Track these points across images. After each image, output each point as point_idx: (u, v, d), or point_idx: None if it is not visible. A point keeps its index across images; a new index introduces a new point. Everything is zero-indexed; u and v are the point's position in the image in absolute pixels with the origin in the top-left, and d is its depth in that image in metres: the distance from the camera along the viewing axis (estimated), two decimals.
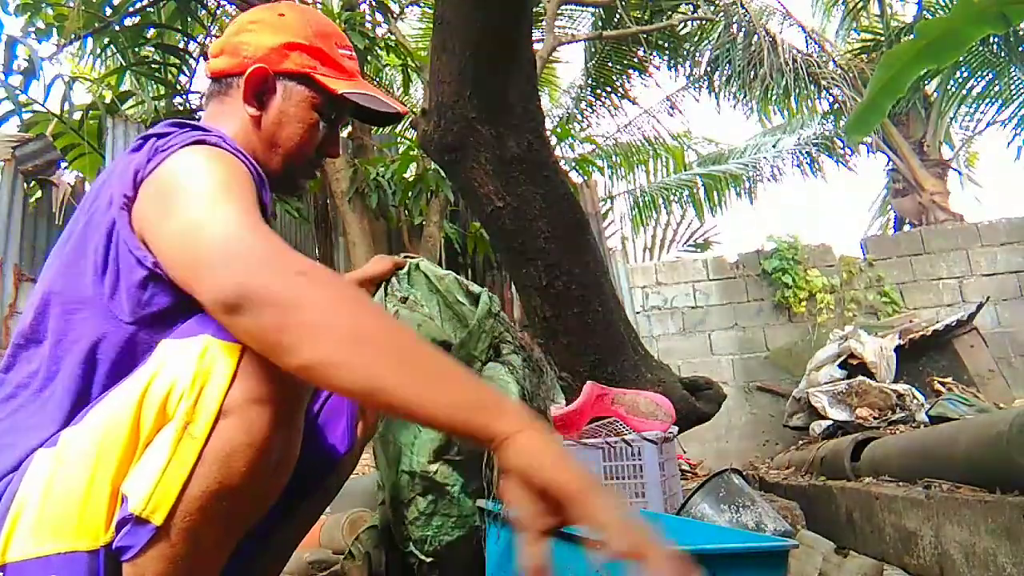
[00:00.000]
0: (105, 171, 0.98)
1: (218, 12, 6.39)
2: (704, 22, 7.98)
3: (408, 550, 1.59)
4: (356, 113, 1.20)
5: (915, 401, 4.01)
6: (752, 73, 7.75)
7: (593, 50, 8.36)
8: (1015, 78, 7.52)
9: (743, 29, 7.80)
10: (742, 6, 7.76)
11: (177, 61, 5.94)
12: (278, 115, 1.09)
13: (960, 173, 8.66)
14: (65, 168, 5.63)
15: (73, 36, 5.37)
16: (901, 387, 4.17)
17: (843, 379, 4.40)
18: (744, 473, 2.22)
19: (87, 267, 0.90)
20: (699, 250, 9.28)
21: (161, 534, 0.77)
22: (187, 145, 0.89)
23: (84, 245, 0.91)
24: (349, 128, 5.89)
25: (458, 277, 1.70)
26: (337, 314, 0.70)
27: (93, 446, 0.80)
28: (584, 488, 0.65)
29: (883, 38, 8.18)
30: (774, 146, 9.69)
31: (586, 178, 6.75)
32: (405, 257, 1.67)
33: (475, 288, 1.67)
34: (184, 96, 6.33)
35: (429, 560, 1.55)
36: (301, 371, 0.71)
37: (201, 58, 6.01)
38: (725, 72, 8.07)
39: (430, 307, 1.64)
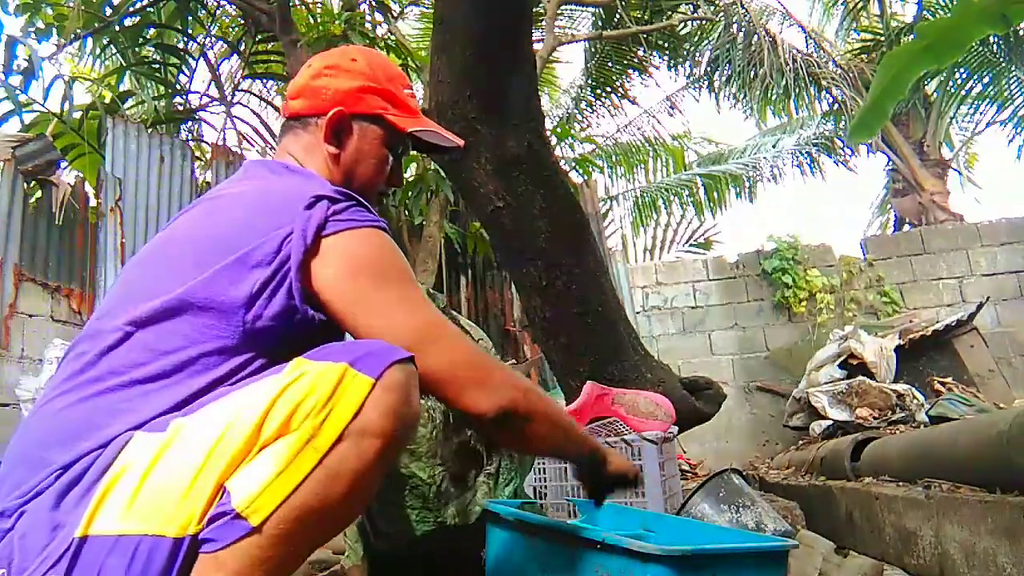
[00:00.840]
0: (250, 190, 1.11)
1: (218, 12, 6.40)
2: (704, 22, 7.98)
3: (372, 542, 1.60)
4: (418, 146, 1.34)
5: (915, 401, 4.01)
6: (752, 73, 7.75)
7: (593, 50, 8.36)
8: (1015, 78, 7.52)
9: (743, 29, 7.79)
10: (742, 6, 7.76)
11: (177, 61, 5.94)
12: (355, 152, 1.23)
13: (959, 173, 8.66)
14: (65, 168, 5.63)
15: (73, 36, 5.38)
16: (901, 387, 4.17)
17: (843, 379, 4.40)
18: (744, 473, 2.22)
19: (239, 285, 0.97)
20: (700, 250, 9.28)
21: (253, 534, 0.81)
22: (374, 226, 1.06)
23: (239, 262, 0.98)
24: None
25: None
26: (548, 414, 1.13)
27: (210, 440, 0.84)
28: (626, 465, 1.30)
29: (883, 38, 8.17)
30: (774, 146, 9.69)
31: (586, 178, 6.75)
32: None
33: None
34: (184, 96, 6.34)
35: (393, 553, 1.56)
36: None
37: (201, 59, 6.02)
38: (725, 72, 8.06)
39: None
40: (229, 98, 6.54)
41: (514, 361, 5.67)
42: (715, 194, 9.15)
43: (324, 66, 1.25)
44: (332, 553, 1.96)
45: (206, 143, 6.48)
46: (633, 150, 9.65)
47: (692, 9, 7.97)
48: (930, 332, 4.67)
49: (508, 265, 3.05)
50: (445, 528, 1.57)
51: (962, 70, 7.46)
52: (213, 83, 6.48)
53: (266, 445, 0.84)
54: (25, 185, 4.78)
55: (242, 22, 6.22)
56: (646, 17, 7.75)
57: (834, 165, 9.19)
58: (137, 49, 5.82)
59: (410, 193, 5.62)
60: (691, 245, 9.60)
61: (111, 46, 5.84)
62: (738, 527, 1.77)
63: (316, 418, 0.84)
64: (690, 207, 9.46)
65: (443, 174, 4.72)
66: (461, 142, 1.34)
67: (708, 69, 8.31)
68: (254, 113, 7.22)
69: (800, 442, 4.48)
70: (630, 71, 8.54)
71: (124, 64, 5.89)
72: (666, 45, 8.17)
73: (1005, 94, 7.71)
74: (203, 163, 6.00)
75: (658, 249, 9.75)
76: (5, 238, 4.51)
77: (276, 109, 7.19)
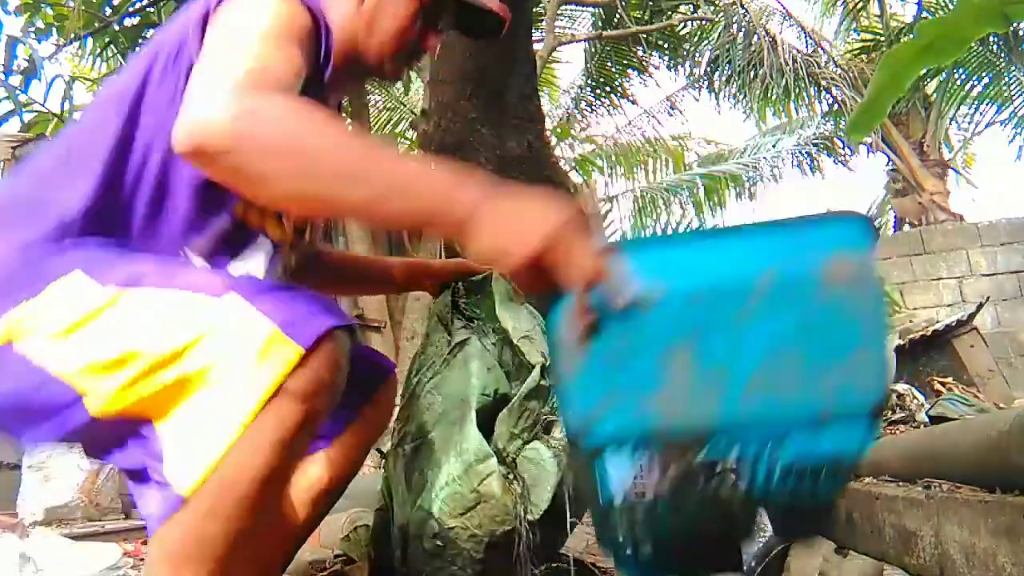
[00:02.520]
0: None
1: None
2: (704, 22, 7.98)
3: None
4: (457, 20, 1.23)
5: (915, 401, 4.01)
6: (752, 73, 7.76)
7: (593, 50, 8.36)
8: (1014, 78, 7.53)
9: (743, 29, 7.80)
10: (742, 6, 7.77)
11: None
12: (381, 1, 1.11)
13: (957, 173, 8.67)
14: None
15: (73, 36, 5.38)
16: (901, 387, 4.17)
17: None
18: None
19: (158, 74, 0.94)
20: None
21: (184, 506, 0.78)
22: None
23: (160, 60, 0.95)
24: (349, 128, 5.88)
25: (532, 310, 1.55)
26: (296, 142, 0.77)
27: (140, 338, 0.80)
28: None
29: (883, 38, 8.18)
30: (774, 146, 9.70)
31: (586, 178, 6.76)
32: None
33: (537, 345, 1.50)
34: None
35: None
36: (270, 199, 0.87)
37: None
38: (725, 72, 8.07)
39: (495, 334, 1.52)
40: None
41: None
42: (715, 194, 9.16)
43: None
44: (332, 554, 1.96)
45: None
46: (633, 150, 9.66)
47: (692, 9, 7.97)
48: (930, 332, 4.67)
49: None
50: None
51: (962, 70, 7.46)
52: None
53: (187, 381, 0.78)
54: None
55: None
56: (646, 17, 7.75)
57: (834, 165, 9.22)
58: (137, 49, 5.82)
59: None
60: None
61: (111, 46, 5.84)
62: None
63: (243, 381, 0.77)
64: (690, 207, 9.48)
65: None
66: (505, 12, 1.22)
67: (708, 69, 8.31)
68: None
69: None
70: (630, 71, 8.54)
71: (124, 64, 5.89)
72: (666, 45, 8.18)
73: (1005, 94, 7.71)
74: None
75: None
76: None
77: None
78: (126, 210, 0.94)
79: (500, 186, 0.76)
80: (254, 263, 1.02)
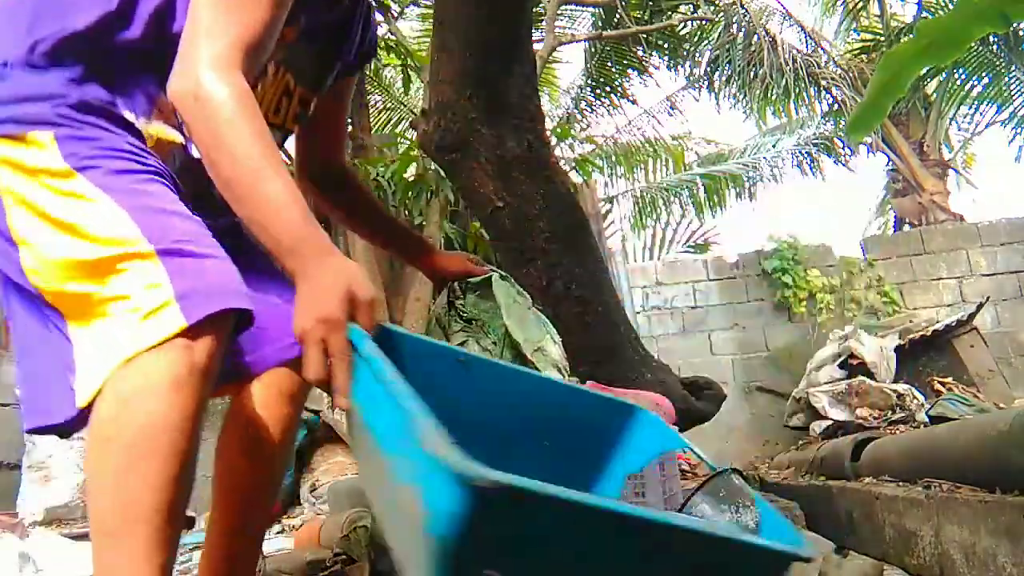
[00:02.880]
0: None
1: None
2: (704, 22, 7.97)
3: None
4: None
5: (915, 401, 4.01)
6: (752, 73, 7.75)
7: (593, 50, 8.36)
8: (1014, 78, 7.53)
9: (743, 29, 7.80)
10: (742, 6, 7.76)
11: None
12: None
13: (957, 173, 8.67)
14: None
15: None
16: (901, 387, 4.18)
17: (843, 379, 4.40)
18: (744, 473, 2.21)
19: None
20: (698, 251, 9.28)
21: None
22: None
23: None
24: (349, 127, 5.89)
25: (539, 314, 1.56)
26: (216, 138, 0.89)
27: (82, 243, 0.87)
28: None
29: (883, 38, 8.18)
30: (774, 146, 9.70)
31: (586, 178, 6.75)
32: (483, 266, 1.55)
33: (551, 357, 1.52)
34: None
35: None
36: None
37: None
38: (725, 72, 8.07)
39: (494, 334, 1.52)
40: None
41: None
42: (715, 194, 9.16)
43: None
44: (332, 554, 1.96)
45: None
46: (633, 150, 9.65)
47: (692, 9, 7.97)
48: (930, 332, 4.67)
49: (508, 265, 3.05)
50: None
51: (962, 70, 7.46)
52: None
53: (94, 303, 0.85)
54: None
55: None
56: (646, 17, 7.75)
57: (834, 165, 9.21)
58: None
59: (410, 193, 5.62)
60: (688, 247, 9.61)
61: None
62: (738, 527, 1.77)
63: (128, 329, 0.84)
64: (690, 207, 9.47)
65: (443, 174, 4.72)
66: None
67: (708, 69, 8.31)
68: None
69: (800, 442, 4.47)
70: (630, 71, 8.53)
71: None
72: (666, 45, 8.17)
73: (1005, 94, 7.71)
74: None
75: (658, 249, 9.75)
76: None
77: None
78: (119, 50, 0.98)
79: (326, 256, 0.87)
80: None
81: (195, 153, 1.00)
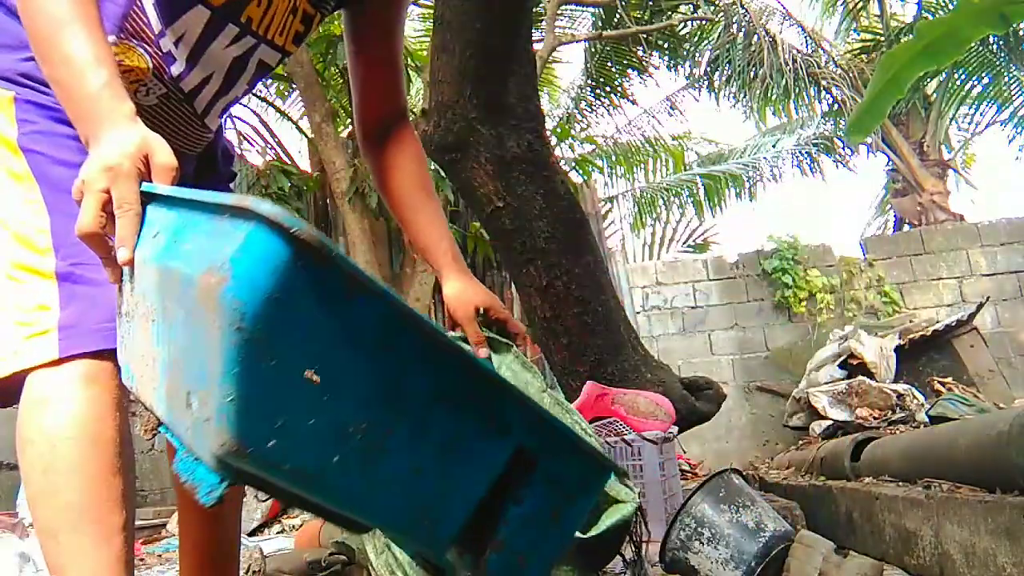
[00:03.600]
0: None
1: None
2: (704, 22, 7.97)
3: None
4: None
5: (915, 401, 4.01)
6: (752, 73, 7.75)
7: (593, 50, 8.36)
8: (1014, 78, 7.53)
9: (743, 29, 7.79)
10: (742, 6, 7.76)
11: None
12: None
13: (956, 173, 8.67)
14: None
15: None
16: (901, 387, 4.17)
17: (843, 379, 4.40)
18: (744, 473, 2.22)
19: None
20: (697, 251, 9.28)
21: None
22: None
23: None
24: (350, 128, 5.88)
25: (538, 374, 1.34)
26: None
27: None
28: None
29: (883, 38, 8.18)
30: (774, 146, 9.70)
31: (586, 178, 6.75)
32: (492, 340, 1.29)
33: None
34: None
35: None
36: None
37: None
38: (725, 72, 8.07)
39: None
40: None
41: None
42: (715, 194, 9.15)
43: None
44: (329, 554, 1.96)
45: None
46: (633, 150, 9.65)
47: (692, 9, 7.97)
48: (930, 332, 4.67)
49: (508, 265, 3.05)
50: None
51: (962, 70, 7.46)
52: None
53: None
54: None
55: None
56: (646, 17, 7.75)
57: (834, 165, 9.21)
58: None
59: None
60: (687, 247, 9.61)
61: None
62: (738, 527, 1.78)
63: (11, 343, 0.85)
64: (690, 207, 9.47)
65: (443, 174, 4.72)
66: None
67: (708, 69, 8.31)
68: (254, 113, 7.21)
69: (800, 442, 4.47)
70: (630, 71, 8.53)
71: None
72: (666, 45, 8.17)
73: (1005, 94, 7.71)
74: None
75: (657, 246, 9.76)
76: None
77: (277, 109, 7.20)
78: None
79: (128, 122, 0.77)
80: (188, 34, 0.99)
81: (169, 76, 0.97)
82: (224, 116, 1.15)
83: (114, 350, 0.82)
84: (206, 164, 1.16)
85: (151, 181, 0.74)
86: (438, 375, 0.61)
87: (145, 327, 0.68)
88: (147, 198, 0.73)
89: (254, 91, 7.15)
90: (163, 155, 0.76)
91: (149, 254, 0.69)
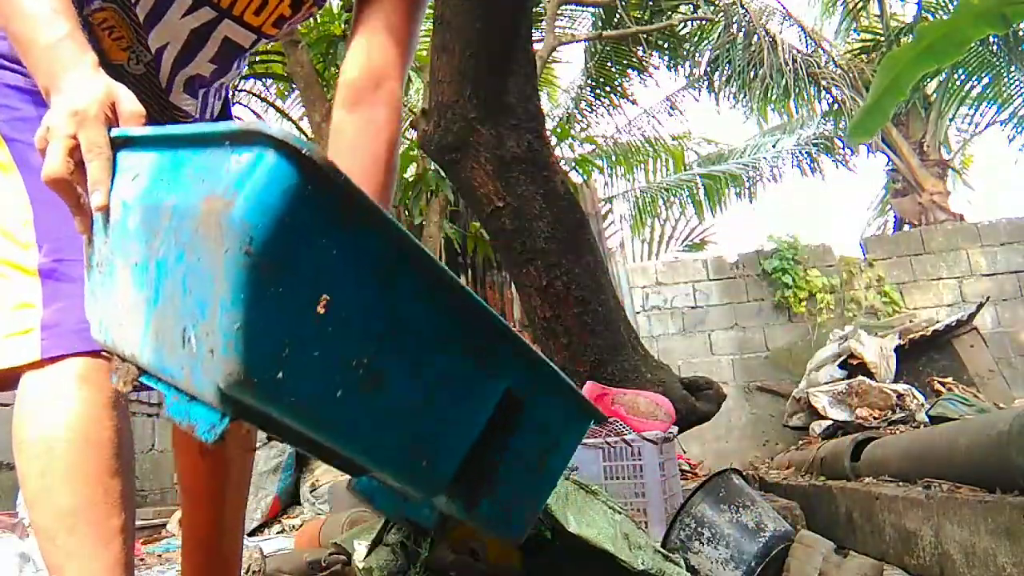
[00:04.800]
0: None
1: None
2: (704, 22, 7.97)
3: None
4: None
5: (915, 401, 4.01)
6: (752, 73, 7.75)
7: (593, 50, 8.36)
8: (1014, 78, 7.53)
9: (743, 29, 7.79)
10: (742, 6, 7.76)
11: None
12: None
13: (955, 173, 8.67)
14: None
15: None
16: (901, 387, 4.17)
17: (843, 379, 4.40)
18: (744, 473, 2.22)
19: None
20: (694, 250, 9.28)
21: None
22: None
23: None
24: None
25: None
26: None
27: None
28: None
29: (883, 38, 8.18)
30: (774, 146, 9.70)
31: (586, 178, 6.75)
32: None
33: None
34: None
35: None
36: None
37: None
38: (725, 72, 8.07)
39: None
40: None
41: None
42: (715, 194, 9.15)
43: None
44: (329, 554, 1.96)
45: None
46: (633, 150, 9.65)
47: (692, 9, 7.97)
48: (930, 332, 4.67)
49: (508, 265, 3.05)
50: None
51: (962, 71, 7.46)
52: None
53: None
54: None
55: None
56: (646, 17, 7.75)
57: (834, 165, 9.20)
58: None
59: (410, 193, 5.62)
60: (685, 246, 9.62)
61: None
62: (738, 527, 1.78)
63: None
64: (690, 207, 9.47)
65: (443, 174, 4.72)
66: None
67: (708, 69, 8.31)
68: (254, 113, 7.21)
69: (800, 442, 4.47)
70: (630, 71, 8.54)
71: None
72: (666, 45, 8.17)
73: (1005, 94, 7.71)
74: None
75: (656, 245, 9.76)
76: None
77: (277, 109, 7.19)
78: None
79: (91, 71, 0.75)
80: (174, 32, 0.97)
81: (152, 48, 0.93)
82: (204, 104, 1.10)
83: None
84: None
85: (118, 127, 0.73)
86: (439, 311, 0.61)
87: (125, 274, 0.66)
88: (117, 144, 0.71)
89: (255, 91, 7.16)
90: (129, 102, 0.74)
91: (130, 196, 0.67)
